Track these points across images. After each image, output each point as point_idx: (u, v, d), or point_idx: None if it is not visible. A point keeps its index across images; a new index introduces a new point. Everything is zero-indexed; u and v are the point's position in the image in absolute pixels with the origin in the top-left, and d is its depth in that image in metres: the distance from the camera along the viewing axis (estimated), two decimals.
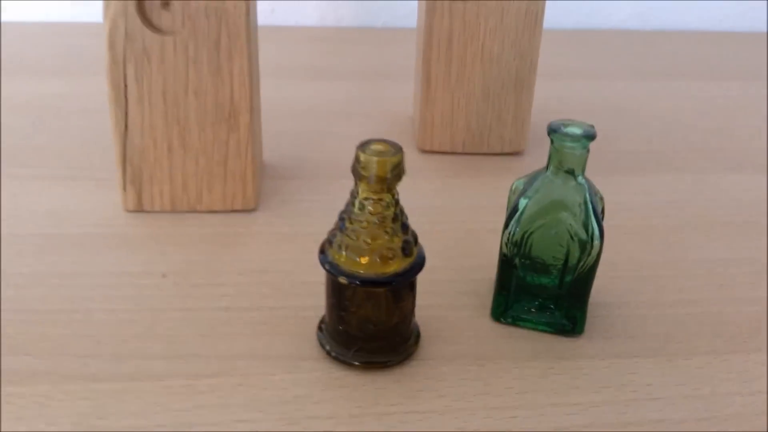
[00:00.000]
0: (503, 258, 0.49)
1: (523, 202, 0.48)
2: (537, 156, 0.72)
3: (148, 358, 0.46)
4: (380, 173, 0.41)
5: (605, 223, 0.57)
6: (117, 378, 0.44)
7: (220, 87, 0.56)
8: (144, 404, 0.42)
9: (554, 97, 0.85)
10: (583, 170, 0.47)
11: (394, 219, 0.43)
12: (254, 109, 0.58)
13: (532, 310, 0.50)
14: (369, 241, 0.43)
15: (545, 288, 0.49)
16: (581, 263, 0.47)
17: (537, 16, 0.66)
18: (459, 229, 0.61)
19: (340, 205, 0.60)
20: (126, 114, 0.56)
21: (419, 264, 0.44)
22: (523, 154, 0.73)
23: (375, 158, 0.41)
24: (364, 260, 0.43)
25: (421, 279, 0.52)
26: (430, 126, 0.71)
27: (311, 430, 0.41)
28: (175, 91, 0.56)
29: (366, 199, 0.42)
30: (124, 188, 0.59)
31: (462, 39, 0.67)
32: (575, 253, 0.47)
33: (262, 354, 0.46)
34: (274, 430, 0.41)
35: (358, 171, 0.42)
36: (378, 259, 0.43)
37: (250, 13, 0.55)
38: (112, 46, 0.54)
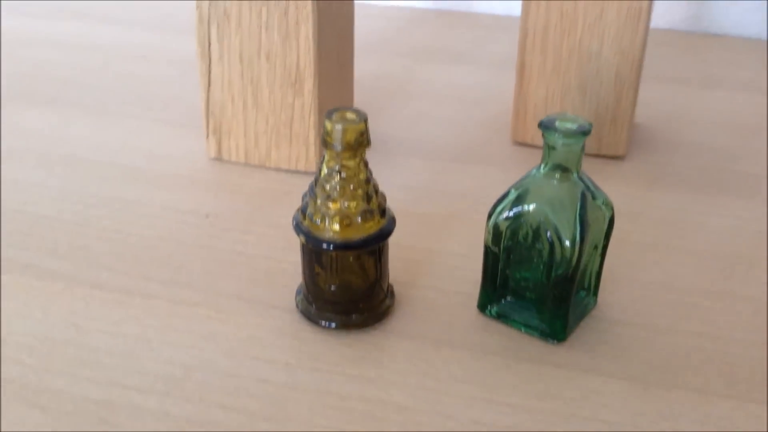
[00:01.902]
0: (486, 249, 0.47)
1: (511, 194, 0.46)
2: (638, 163, 0.68)
3: (151, 280, 0.51)
4: (343, 140, 0.43)
5: (615, 234, 0.54)
6: (117, 290, 0.50)
7: (288, 52, 0.60)
8: (124, 316, 0.48)
9: (687, 104, 0.78)
10: (578, 168, 0.45)
11: (356, 187, 0.44)
12: (321, 77, 0.62)
13: (517, 308, 0.48)
14: (330, 206, 0.44)
15: (527, 287, 0.47)
16: (560, 266, 0.44)
17: (641, 14, 0.62)
18: None
19: (401, 181, 0.63)
20: (209, 69, 0.63)
21: (379, 237, 0.45)
22: (624, 159, 0.68)
23: (339, 126, 0.43)
24: (321, 223, 0.44)
25: (432, 261, 0.53)
26: (523, 118, 0.69)
27: (241, 367, 0.44)
28: (249, 53, 0.61)
29: (330, 165, 0.44)
30: (207, 137, 0.66)
31: (558, 30, 0.65)
32: (554, 255, 0.44)
33: (246, 297, 0.50)
34: (212, 359, 0.45)
35: (324, 138, 0.43)
36: (336, 225, 0.44)
37: None
38: (199, 6, 0.60)
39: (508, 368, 0.45)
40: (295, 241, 0.55)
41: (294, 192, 0.62)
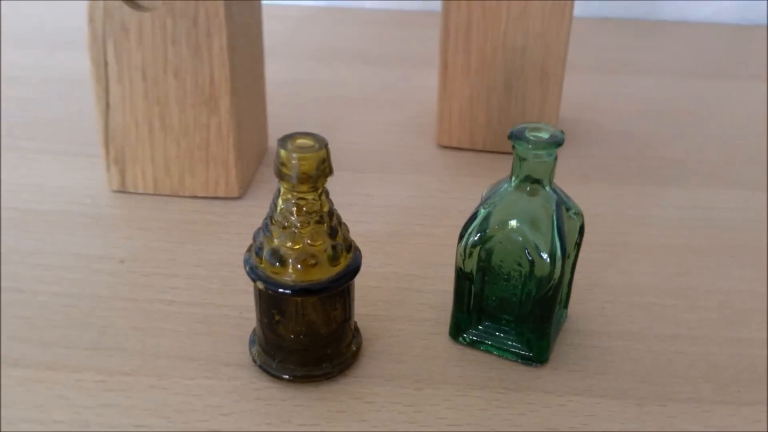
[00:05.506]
0: (458, 272, 0.44)
1: (482, 213, 0.42)
2: (567, 159, 0.66)
3: (73, 348, 0.44)
4: (302, 171, 0.38)
5: (586, 238, 0.52)
6: (35, 365, 0.43)
7: (200, 67, 0.54)
8: (50, 397, 0.41)
9: (603, 93, 0.78)
10: (550, 180, 0.42)
11: (320, 222, 0.39)
12: (238, 93, 0.56)
13: (494, 333, 0.45)
14: (290, 245, 0.39)
15: (505, 310, 0.44)
16: (541, 285, 0.41)
17: (565, 6, 0.60)
18: (452, 234, 0.55)
19: (335, 200, 0.56)
20: (107, 92, 0.55)
21: (347, 275, 0.40)
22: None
23: (296, 155, 0.37)
24: (282, 266, 0.39)
25: (384, 286, 0.49)
26: (447, 120, 0.66)
27: None
28: (154, 70, 0.54)
29: (288, 199, 0.39)
30: (108, 168, 0.58)
31: (482, 26, 0.61)
32: (534, 273, 0.41)
33: (188, 355, 0.44)
34: None
35: (279, 169, 0.38)
36: (299, 266, 0.39)
37: None
38: (91, 20, 0.53)
39: (497, 401, 0.41)
40: (233, 281, 0.49)
41: (217, 221, 0.56)
